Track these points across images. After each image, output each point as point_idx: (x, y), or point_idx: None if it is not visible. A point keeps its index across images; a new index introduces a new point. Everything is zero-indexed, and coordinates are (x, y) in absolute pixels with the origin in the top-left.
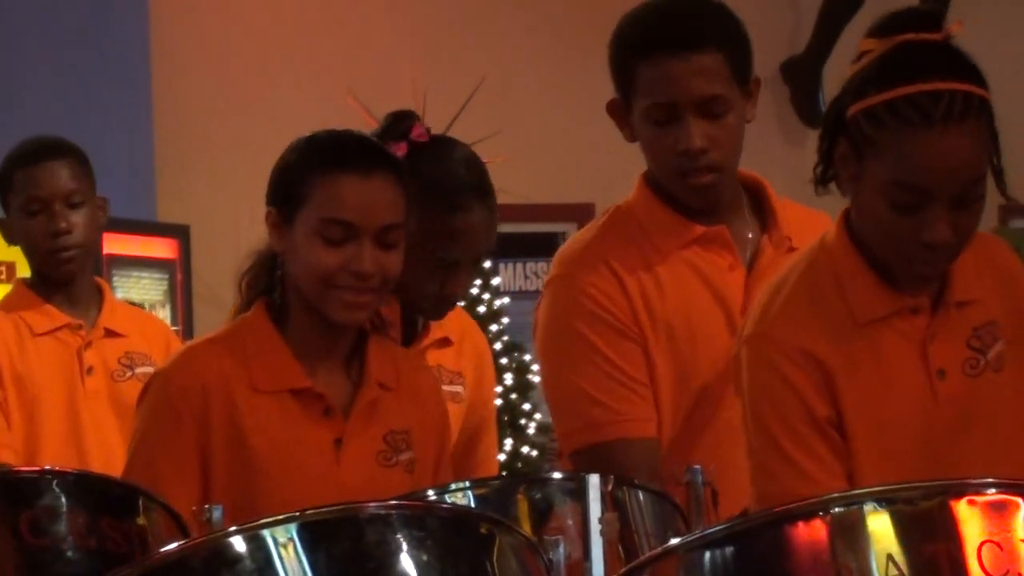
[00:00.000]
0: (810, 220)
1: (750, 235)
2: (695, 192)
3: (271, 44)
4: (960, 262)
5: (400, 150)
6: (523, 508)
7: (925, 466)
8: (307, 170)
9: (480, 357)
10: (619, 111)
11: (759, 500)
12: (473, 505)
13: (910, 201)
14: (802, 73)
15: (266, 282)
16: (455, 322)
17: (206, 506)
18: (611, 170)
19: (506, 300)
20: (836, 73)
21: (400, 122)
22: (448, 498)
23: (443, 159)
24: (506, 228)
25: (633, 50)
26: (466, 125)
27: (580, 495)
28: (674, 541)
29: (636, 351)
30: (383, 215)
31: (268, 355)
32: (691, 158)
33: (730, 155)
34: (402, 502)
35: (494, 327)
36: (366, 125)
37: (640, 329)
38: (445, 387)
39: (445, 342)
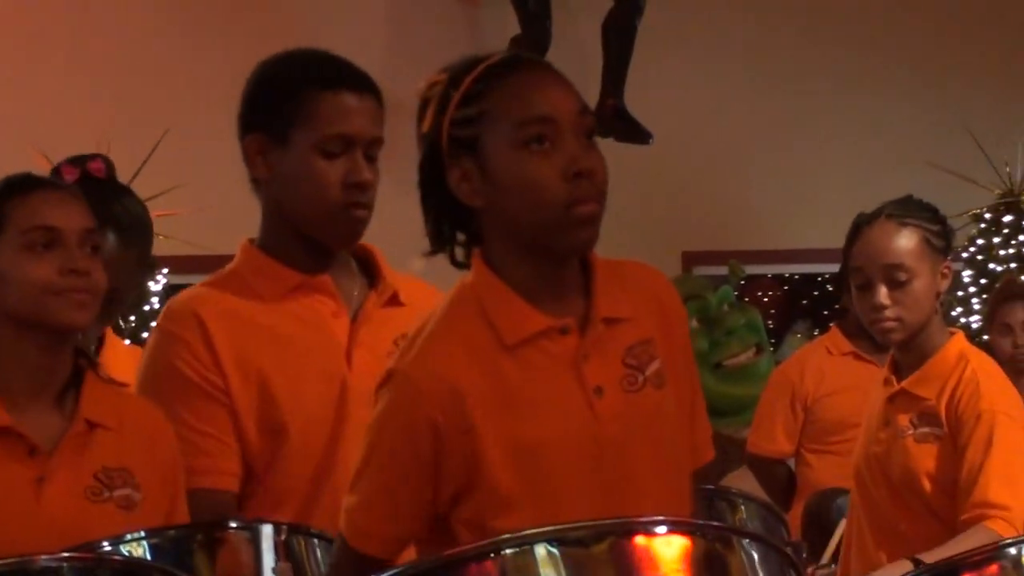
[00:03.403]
0: (415, 283)
1: (356, 291)
2: (351, 227)
3: None
4: (602, 282)
5: (70, 174)
6: (200, 557)
7: (592, 487)
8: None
9: None
10: (261, 146)
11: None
12: (148, 556)
13: (543, 132)
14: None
15: None
16: (124, 360)
17: None
18: None
19: None
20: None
21: (83, 156)
22: (124, 548)
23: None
24: (193, 280)
25: (310, 82)
26: (151, 176)
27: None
28: None
29: (221, 412)
30: (81, 220)
31: None
32: (362, 190)
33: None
34: (74, 554)
35: None
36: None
37: (225, 383)
38: None
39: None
